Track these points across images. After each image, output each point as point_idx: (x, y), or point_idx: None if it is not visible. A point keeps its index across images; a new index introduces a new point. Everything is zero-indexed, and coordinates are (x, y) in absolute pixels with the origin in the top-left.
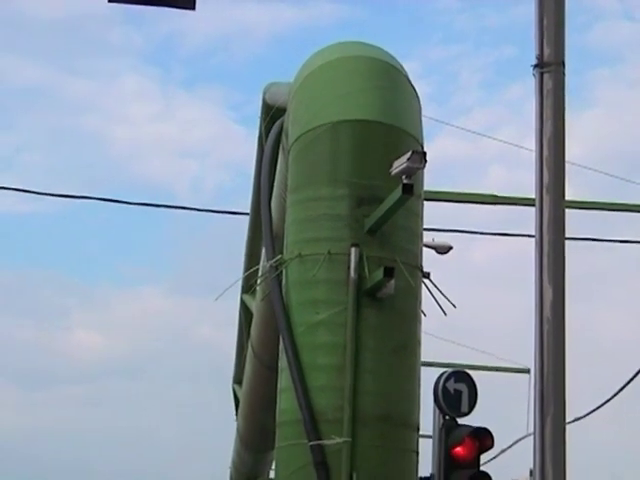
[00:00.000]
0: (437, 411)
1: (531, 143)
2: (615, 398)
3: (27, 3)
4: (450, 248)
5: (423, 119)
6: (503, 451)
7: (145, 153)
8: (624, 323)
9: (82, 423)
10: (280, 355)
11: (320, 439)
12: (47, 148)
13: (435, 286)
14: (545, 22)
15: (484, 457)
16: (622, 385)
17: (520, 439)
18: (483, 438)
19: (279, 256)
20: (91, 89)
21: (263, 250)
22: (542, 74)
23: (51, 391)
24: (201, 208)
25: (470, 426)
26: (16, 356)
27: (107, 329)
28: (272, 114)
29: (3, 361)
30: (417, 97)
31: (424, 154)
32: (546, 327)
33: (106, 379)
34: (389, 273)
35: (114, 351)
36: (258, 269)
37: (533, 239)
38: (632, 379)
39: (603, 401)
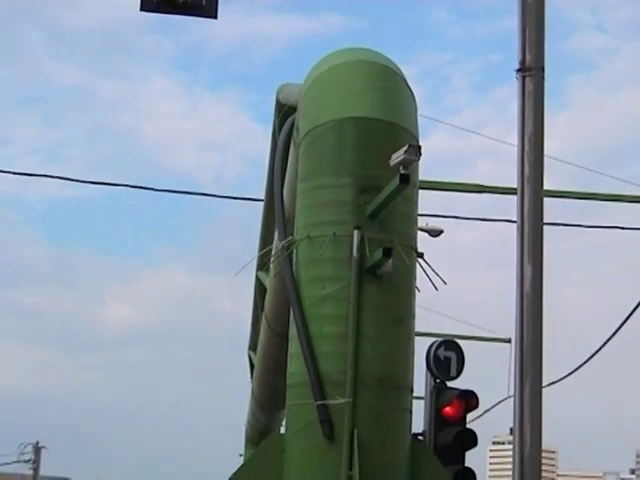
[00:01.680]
0: (429, 375)
1: (514, 139)
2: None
3: (69, 13)
4: (441, 232)
5: (419, 117)
6: (487, 411)
7: (172, 147)
8: (593, 299)
9: (115, 382)
10: (290, 325)
11: (325, 399)
12: (87, 142)
13: (428, 265)
14: (527, 32)
15: (470, 416)
16: (591, 354)
17: (502, 401)
18: (469, 399)
19: (290, 237)
20: (125, 90)
21: (276, 232)
22: (524, 78)
23: (89, 356)
24: (221, 195)
25: (458, 389)
26: (61, 325)
27: (137, 302)
28: (284, 112)
29: (51, 329)
30: (413, 97)
31: (419, 148)
32: (526, 301)
33: (136, 347)
34: (387, 253)
35: (143, 322)
36: (271, 249)
37: (515, 224)
38: (597, 351)
39: (575, 367)
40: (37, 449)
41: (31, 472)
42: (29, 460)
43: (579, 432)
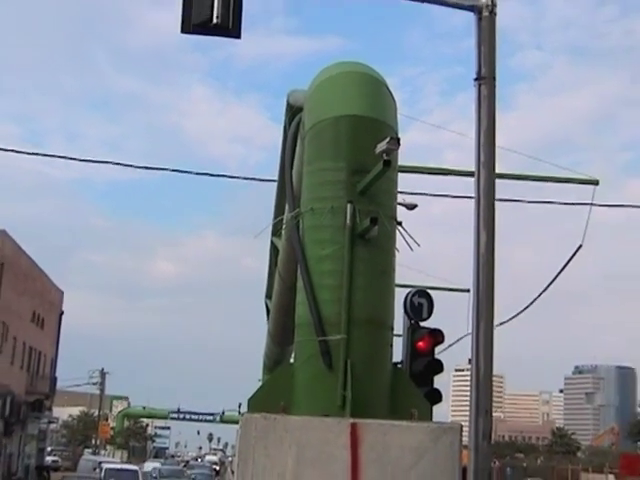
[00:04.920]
0: (406, 317)
1: (473, 134)
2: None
3: (127, 35)
4: (416, 206)
5: (398, 116)
6: (450, 345)
7: (207, 139)
8: (531, 259)
9: (163, 322)
10: (298, 278)
11: (325, 336)
12: (141, 136)
13: (405, 231)
14: (482, 49)
15: (438, 349)
16: (530, 301)
17: (462, 337)
18: (437, 335)
19: (297, 209)
20: (171, 95)
21: (286, 205)
22: (480, 85)
23: (143, 302)
24: (244, 177)
25: (428, 327)
26: (121, 278)
27: (180, 261)
28: (293, 112)
29: (112, 281)
30: (394, 100)
31: (399, 139)
32: (481, 260)
33: (178, 295)
34: (374, 221)
35: (184, 275)
36: (283, 218)
37: (473, 199)
38: (536, 298)
39: (518, 311)
40: (103, 374)
41: (98, 392)
42: (96, 383)
43: (522, 361)
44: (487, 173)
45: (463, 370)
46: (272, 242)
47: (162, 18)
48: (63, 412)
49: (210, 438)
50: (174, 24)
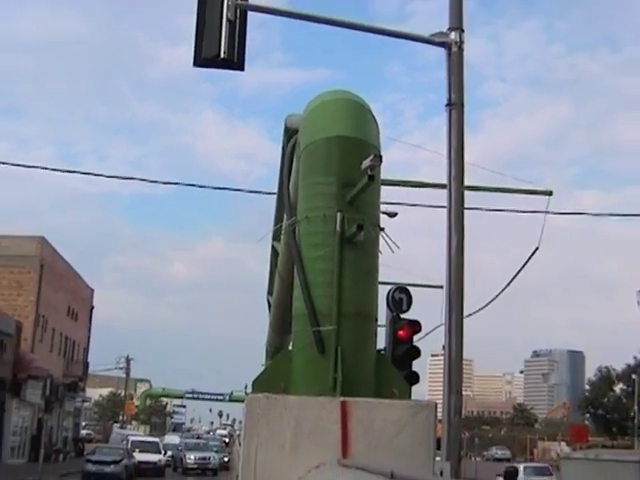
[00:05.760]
0: (388, 310)
1: (445, 152)
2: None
3: (148, 68)
4: (396, 214)
5: (381, 137)
6: (427, 334)
7: (216, 157)
8: (495, 261)
9: (179, 315)
10: (295, 276)
11: (319, 326)
12: (160, 156)
13: (387, 236)
14: (452, 79)
15: (416, 337)
16: (493, 297)
17: (437, 327)
18: (415, 325)
19: (294, 217)
20: (186, 120)
21: (285, 214)
22: (450, 110)
23: (162, 298)
24: (248, 189)
25: (407, 319)
26: (142, 278)
27: (192, 263)
28: (289, 133)
29: (136, 281)
30: (377, 123)
31: (381, 157)
32: (452, 260)
33: (191, 292)
34: (360, 228)
35: (196, 276)
36: (282, 225)
37: (445, 209)
38: (498, 295)
39: (483, 305)
40: (128, 360)
41: (124, 375)
42: (122, 367)
43: (488, 347)
44: (457, 185)
45: (438, 355)
46: (273, 246)
47: (178, 54)
48: (94, 392)
49: (220, 415)
50: (188, 59)
